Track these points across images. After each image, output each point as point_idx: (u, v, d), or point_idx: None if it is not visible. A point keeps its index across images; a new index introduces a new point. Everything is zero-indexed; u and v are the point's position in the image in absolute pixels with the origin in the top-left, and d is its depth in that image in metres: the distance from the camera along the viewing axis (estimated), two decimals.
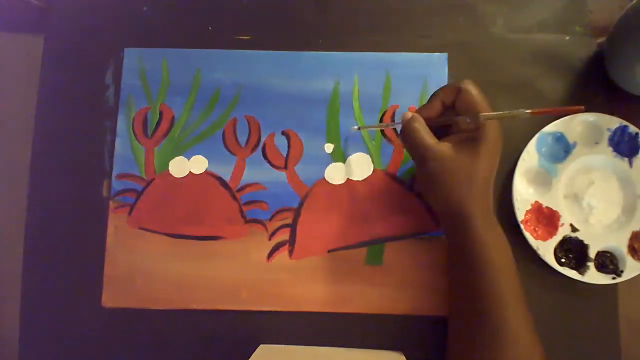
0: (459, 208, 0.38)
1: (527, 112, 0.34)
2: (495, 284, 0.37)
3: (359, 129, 0.48)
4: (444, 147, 0.38)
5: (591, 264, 0.44)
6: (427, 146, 0.38)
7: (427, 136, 0.39)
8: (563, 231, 0.45)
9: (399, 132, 0.41)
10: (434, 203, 0.42)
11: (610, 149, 0.46)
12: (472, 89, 0.38)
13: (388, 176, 0.48)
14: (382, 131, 0.49)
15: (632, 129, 0.45)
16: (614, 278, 0.44)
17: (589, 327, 0.45)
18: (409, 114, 0.40)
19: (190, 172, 0.49)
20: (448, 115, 0.40)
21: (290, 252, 0.47)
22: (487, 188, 0.39)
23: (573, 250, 0.45)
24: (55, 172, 0.49)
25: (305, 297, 0.46)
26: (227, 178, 0.48)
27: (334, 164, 0.48)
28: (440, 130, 0.41)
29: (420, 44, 0.50)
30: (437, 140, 0.39)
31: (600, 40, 0.49)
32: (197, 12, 0.51)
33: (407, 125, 0.40)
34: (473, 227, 0.38)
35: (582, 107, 0.33)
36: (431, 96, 0.41)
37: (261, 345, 0.45)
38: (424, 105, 0.41)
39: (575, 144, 0.46)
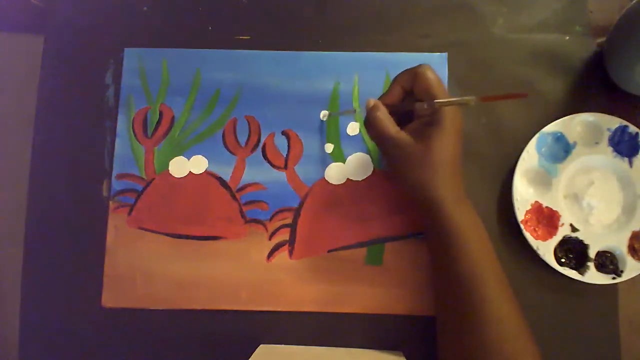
0: (426, 192, 0.39)
1: (477, 99, 0.35)
2: (472, 264, 0.38)
3: (330, 115, 0.48)
4: (404, 135, 0.39)
5: (591, 264, 0.44)
6: (388, 135, 0.39)
7: (388, 124, 0.39)
8: (563, 231, 0.45)
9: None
10: (403, 190, 0.43)
11: (610, 149, 0.46)
12: (428, 73, 0.39)
13: (388, 176, 0.48)
14: None
15: (632, 129, 0.45)
16: (614, 278, 0.44)
17: (589, 327, 0.45)
18: (372, 102, 0.41)
19: (190, 172, 0.49)
20: (408, 101, 0.41)
21: (290, 252, 0.47)
22: (453, 170, 0.39)
23: (573, 250, 0.45)
24: (55, 172, 0.49)
25: (305, 297, 0.46)
26: (227, 178, 0.48)
27: (334, 164, 0.48)
28: (405, 117, 0.42)
29: (420, 44, 0.50)
30: (398, 128, 0.40)
31: (600, 40, 0.49)
32: (197, 12, 0.51)
33: (369, 115, 0.40)
34: (443, 210, 0.38)
35: (526, 93, 0.33)
36: (391, 82, 0.41)
37: (261, 345, 0.45)
38: (385, 92, 0.42)
39: (575, 144, 0.46)
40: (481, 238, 0.39)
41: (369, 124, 0.40)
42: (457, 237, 0.38)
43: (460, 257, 0.38)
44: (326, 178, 0.48)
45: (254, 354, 0.42)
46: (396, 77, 0.41)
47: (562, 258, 0.45)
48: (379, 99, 0.41)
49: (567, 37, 0.49)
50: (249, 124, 0.49)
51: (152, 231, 0.48)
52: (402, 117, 0.42)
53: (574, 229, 0.45)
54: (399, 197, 0.47)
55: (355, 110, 0.48)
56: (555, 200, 0.46)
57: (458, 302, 0.38)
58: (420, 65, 0.39)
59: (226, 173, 0.48)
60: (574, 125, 0.46)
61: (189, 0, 0.51)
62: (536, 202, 0.46)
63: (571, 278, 0.44)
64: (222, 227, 0.48)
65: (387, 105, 0.40)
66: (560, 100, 0.48)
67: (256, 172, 0.48)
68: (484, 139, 0.48)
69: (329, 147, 0.49)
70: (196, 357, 0.46)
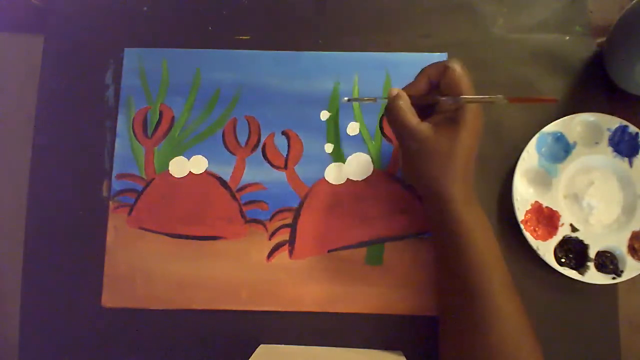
0: (438, 188, 0.38)
1: (505, 99, 0.35)
2: (478, 263, 0.38)
3: (349, 100, 0.48)
4: (424, 128, 0.38)
5: (591, 264, 0.44)
6: (409, 126, 0.39)
7: (410, 115, 0.39)
8: (563, 231, 0.45)
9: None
10: (415, 183, 0.42)
11: (610, 149, 0.46)
12: (458, 68, 0.38)
13: (388, 176, 0.48)
14: (381, 130, 0.49)
15: (632, 129, 0.45)
16: (614, 278, 0.44)
17: (589, 327, 0.45)
18: (395, 91, 0.40)
19: (190, 172, 0.49)
20: (433, 95, 0.40)
21: (290, 252, 0.47)
22: (466, 169, 0.39)
23: (573, 250, 0.45)
24: (55, 172, 0.49)
25: (305, 297, 0.46)
26: (227, 178, 0.48)
27: (334, 164, 0.48)
28: (426, 109, 0.41)
29: (420, 44, 0.50)
30: (419, 120, 0.39)
31: (600, 40, 0.49)
32: (197, 12, 0.51)
33: (391, 103, 0.40)
34: (452, 206, 0.38)
35: (555, 98, 0.33)
36: (419, 73, 0.41)
37: (261, 345, 0.45)
38: (411, 82, 0.41)
39: (575, 144, 0.46)
40: (489, 238, 0.39)
41: (390, 112, 0.40)
42: (464, 236, 0.38)
43: (466, 256, 0.38)
44: (326, 178, 0.48)
45: (254, 354, 0.42)
46: (424, 68, 0.40)
47: (562, 258, 0.45)
48: (404, 89, 0.40)
49: (567, 37, 0.49)
50: (249, 124, 0.49)
51: (152, 231, 0.48)
52: (423, 110, 0.41)
53: (574, 229, 0.45)
54: (399, 197, 0.47)
55: (376, 99, 0.47)
56: (555, 200, 0.46)
57: (462, 300, 0.38)
58: (450, 60, 0.39)
59: (226, 173, 0.48)
60: (574, 125, 0.46)
61: (189, 0, 0.51)
62: (536, 202, 0.46)
63: (571, 278, 0.44)
64: (222, 227, 0.48)
65: (410, 96, 0.40)
66: (560, 100, 0.48)
67: (256, 172, 0.48)
68: (484, 139, 0.47)
69: (329, 147, 0.49)
70: (196, 357, 0.46)
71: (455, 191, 0.38)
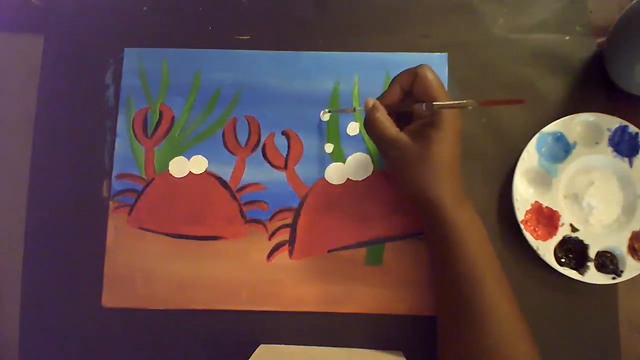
0: (425, 194, 0.39)
1: (476, 103, 0.35)
2: (472, 265, 0.38)
3: (329, 112, 0.48)
4: (403, 136, 0.39)
5: (591, 264, 0.44)
6: (389, 136, 0.39)
7: (388, 125, 0.39)
8: (563, 231, 0.45)
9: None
10: (403, 191, 0.43)
11: (610, 149, 0.46)
12: (428, 74, 0.39)
13: (388, 176, 0.48)
14: None
15: (632, 129, 0.45)
16: (614, 278, 0.44)
17: (589, 327, 0.45)
18: (371, 102, 0.41)
19: (190, 172, 0.49)
20: (407, 102, 0.41)
21: (290, 252, 0.47)
22: (452, 171, 0.39)
23: (573, 250, 0.45)
24: (55, 172, 0.49)
25: (305, 297, 0.46)
26: (227, 178, 0.48)
27: (334, 164, 0.48)
28: (404, 117, 0.42)
29: (420, 44, 0.50)
30: (398, 129, 0.40)
31: (600, 40, 0.49)
32: (197, 12, 0.51)
33: (368, 116, 0.40)
34: (442, 211, 0.38)
35: (523, 99, 0.33)
36: (391, 82, 0.41)
37: (261, 345, 0.45)
38: (384, 92, 0.42)
39: (575, 144, 0.46)
40: (481, 239, 0.39)
41: (369, 125, 0.40)
42: (456, 239, 0.38)
43: (459, 258, 0.38)
44: (326, 178, 0.48)
45: (254, 354, 0.43)
46: (396, 77, 0.41)
47: (562, 258, 0.45)
48: (378, 99, 0.41)
49: (567, 37, 0.49)
50: (249, 124, 0.49)
51: (152, 231, 0.48)
52: (401, 116, 0.42)
53: (574, 229, 0.45)
54: (399, 197, 0.47)
55: (355, 109, 0.48)
56: (555, 200, 0.46)
57: (458, 303, 0.38)
58: (420, 66, 0.39)
59: (226, 173, 0.48)
60: (574, 125, 0.46)
61: (189, 0, 0.51)
62: (536, 202, 0.46)
63: (571, 278, 0.44)
64: (222, 227, 0.48)
65: (386, 106, 0.40)
66: (560, 100, 0.48)
67: (256, 172, 0.48)
68: (484, 139, 0.48)
69: (329, 147, 0.49)
70: (196, 357, 0.46)
71: (443, 194, 0.38)
